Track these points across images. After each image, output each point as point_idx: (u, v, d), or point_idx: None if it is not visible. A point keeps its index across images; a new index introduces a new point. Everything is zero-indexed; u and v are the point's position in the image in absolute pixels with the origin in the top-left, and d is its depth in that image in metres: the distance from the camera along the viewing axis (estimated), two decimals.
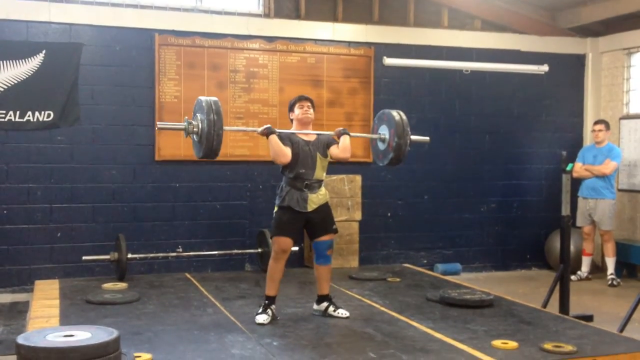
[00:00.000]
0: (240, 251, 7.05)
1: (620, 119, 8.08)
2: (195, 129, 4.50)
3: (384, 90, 7.66)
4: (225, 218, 7.15)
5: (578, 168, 7.46)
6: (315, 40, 7.42)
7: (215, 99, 4.54)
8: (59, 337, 3.44)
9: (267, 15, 7.32)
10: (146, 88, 6.86)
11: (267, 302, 4.82)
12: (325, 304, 4.96)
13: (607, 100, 8.32)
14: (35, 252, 6.57)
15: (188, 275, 6.63)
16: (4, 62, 6.40)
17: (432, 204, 7.89)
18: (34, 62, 6.49)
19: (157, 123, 4.78)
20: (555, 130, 8.34)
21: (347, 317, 4.86)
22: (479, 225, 8.07)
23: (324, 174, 4.90)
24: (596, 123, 7.65)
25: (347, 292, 5.84)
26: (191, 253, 6.89)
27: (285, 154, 4.70)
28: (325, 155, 4.85)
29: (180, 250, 6.94)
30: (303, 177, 4.76)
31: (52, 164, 6.62)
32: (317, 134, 4.95)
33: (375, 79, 7.60)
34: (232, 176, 7.17)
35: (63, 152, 6.65)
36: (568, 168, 5.86)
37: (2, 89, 6.41)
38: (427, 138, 5.35)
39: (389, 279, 6.44)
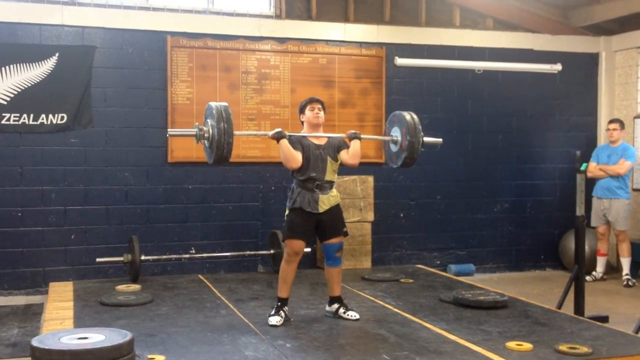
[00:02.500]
0: (252, 252, 7.06)
1: (635, 118, 8.01)
2: (206, 135, 4.49)
3: (395, 91, 7.63)
4: (237, 219, 7.16)
5: (592, 168, 7.40)
6: (327, 41, 7.41)
7: (225, 104, 4.52)
8: (73, 339, 3.46)
9: (278, 16, 7.33)
10: (158, 90, 6.88)
11: (279, 303, 4.82)
12: (336, 306, 4.95)
13: (621, 99, 8.26)
14: (50, 254, 6.61)
15: (201, 277, 6.64)
16: (18, 65, 6.45)
17: (444, 205, 7.86)
18: (47, 65, 6.53)
19: (168, 130, 4.79)
20: (568, 129, 8.28)
21: (356, 319, 4.85)
22: (493, 225, 8.03)
23: (335, 176, 4.89)
24: (611, 122, 7.59)
25: (360, 293, 5.83)
26: (204, 254, 6.90)
27: (296, 158, 4.69)
28: (335, 159, 4.83)
29: (193, 251, 6.95)
30: (314, 179, 4.74)
31: (66, 166, 6.65)
32: (328, 137, 4.93)
33: (387, 79, 7.58)
34: (244, 178, 7.18)
35: (76, 154, 6.68)
36: (582, 168, 5.82)
37: (15, 92, 6.45)
38: (440, 140, 5.30)
39: (402, 280, 6.42)
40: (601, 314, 5.69)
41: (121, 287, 5.94)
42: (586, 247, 6.36)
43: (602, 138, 8.21)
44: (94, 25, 6.71)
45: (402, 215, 7.69)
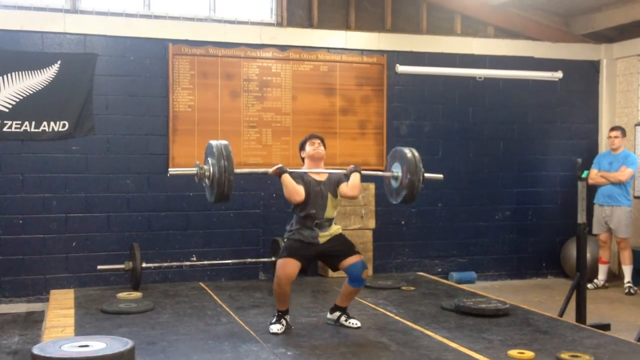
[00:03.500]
0: (254, 260, 7.05)
1: (636, 125, 8.01)
2: (207, 174, 4.52)
3: (397, 98, 7.64)
4: (239, 227, 7.16)
5: (594, 175, 7.40)
6: (328, 49, 7.43)
7: (225, 142, 4.55)
8: (74, 347, 3.46)
9: (279, 24, 7.34)
10: (160, 98, 6.89)
11: (280, 313, 4.80)
12: (338, 313, 4.94)
13: (622, 107, 8.26)
14: (51, 261, 6.61)
15: (202, 285, 6.64)
16: (20, 72, 6.46)
17: (446, 212, 7.85)
18: (49, 73, 6.55)
19: (169, 170, 4.84)
20: (570, 137, 8.28)
21: (358, 327, 4.84)
22: (494, 233, 8.02)
23: (335, 213, 4.85)
24: (612, 129, 7.59)
25: (362, 301, 5.82)
26: (205, 262, 6.90)
27: (300, 192, 4.67)
28: (335, 195, 4.80)
29: (194, 259, 6.95)
30: (313, 217, 4.72)
31: (67, 173, 6.66)
32: (329, 173, 4.89)
33: (388, 86, 7.60)
34: (245, 185, 7.18)
35: (78, 162, 6.69)
36: (583, 175, 5.81)
37: (17, 100, 6.47)
38: (441, 176, 5.29)
39: (404, 288, 6.41)
40: (603, 322, 5.68)
41: (122, 295, 5.93)
42: (588, 255, 6.36)
43: (603, 145, 8.21)
44: (96, 33, 6.72)
45: (403, 222, 7.69)
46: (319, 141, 4.92)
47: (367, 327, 4.87)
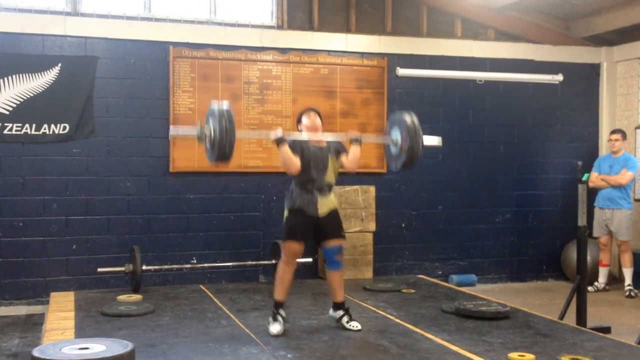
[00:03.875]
0: (254, 262, 7.05)
1: (636, 128, 8.01)
2: (207, 134, 4.47)
3: (397, 101, 7.65)
4: (239, 229, 7.16)
5: (594, 178, 7.40)
6: (329, 52, 7.44)
7: (226, 102, 4.53)
8: (74, 349, 3.46)
9: (280, 27, 7.35)
10: (160, 100, 6.90)
11: (275, 309, 4.84)
12: (340, 313, 4.95)
13: (623, 110, 8.26)
14: (51, 264, 6.60)
15: (202, 287, 6.63)
16: (21, 75, 6.47)
17: (446, 215, 7.85)
18: (49, 75, 6.55)
19: (170, 128, 4.81)
20: (570, 139, 8.28)
21: (358, 330, 4.83)
22: (494, 235, 8.02)
23: (334, 179, 4.93)
24: (613, 132, 7.60)
25: (362, 303, 5.82)
26: (205, 265, 6.90)
27: (295, 164, 4.73)
28: (336, 158, 4.89)
29: (195, 261, 6.94)
30: (313, 180, 4.80)
31: (68, 176, 6.66)
32: (328, 141, 4.94)
33: (388, 89, 7.60)
34: (246, 187, 7.18)
35: (78, 164, 6.69)
36: (584, 178, 5.82)
37: (18, 102, 6.47)
38: (439, 139, 5.26)
39: (404, 291, 6.41)
40: (603, 325, 5.67)
41: (122, 297, 5.93)
42: (588, 258, 6.35)
43: (603, 148, 8.21)
44: (97, 36, 6.73)
45: (403, 225, 7.68)
46: (314, 112, 4.97)
47: (368, 330, 4.87)
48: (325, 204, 4.85)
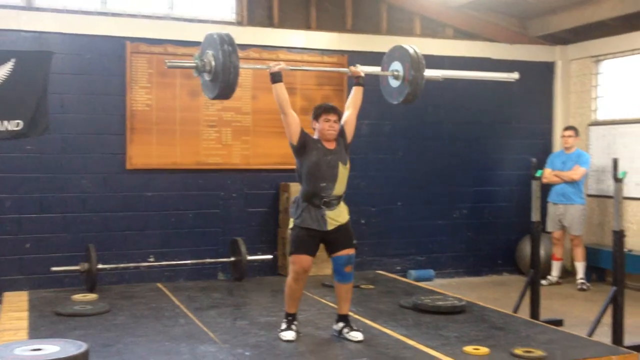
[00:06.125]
0: (213, 260, 7.02)
1: (589, 125, 8.21)
2: (207, 64, 4.21)
3: None
4: (197, 227, 7.11)
5: (547, 174, 7.55)
6: (289, 48, 7.43)
7: (226, 32, 4.30)
8: (26, 351, 3.41)
9: (240, 23, 7.32)
10: (117, 96, 6.81)
11: (290, 318, 4.57)
12: (341, 324, 4.60)
13: (576, 107, 8.45)
14: (4, 263, 6.47)
15: (160, 285, 6.56)
16: None
17: (405, 211, 7.93)
18: (2, 71, 6.39)
19: (166, 61, 4.42)
20: (525, 136, 8.44)
21: (359, 341, 4.46)
22: (452, 231, 8.13)
23: (344, 187, 4.54)
24: (566, 129, 7.77)
25: (321, 300, 5.84)
26: (163, 263, 6.84)
27: (289, 106, 4.44)
28: (345, 162, 4.53)
29: (152, 259, 6.88)
30: (321, 193, 4.41)
31: (22, 173, 6.53)
32: (337, 140, 4.54)
33: (348, 86, 7.57)
34: (204, 185, 7.14)
35: (32, 161, 6.56)
36: (538, 174, 5.94)
37: None
38: (440, 74, 5.19)
39: (363, 286, 6.44)
40: (556, 318, 5.82)
41: (77, 297, 5.83)
42: (542, 252, 6.51)
43: (557, 145, 8.39)
44: (52, 31, 6.60)
45: (363, 221, 7.73)
46: (336, 118, 4.51)
47: (326, 326, 4.89)
48: (334, 220, 4.46)
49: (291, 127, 4.50)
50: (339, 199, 4.52)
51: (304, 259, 4.45)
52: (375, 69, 5.27)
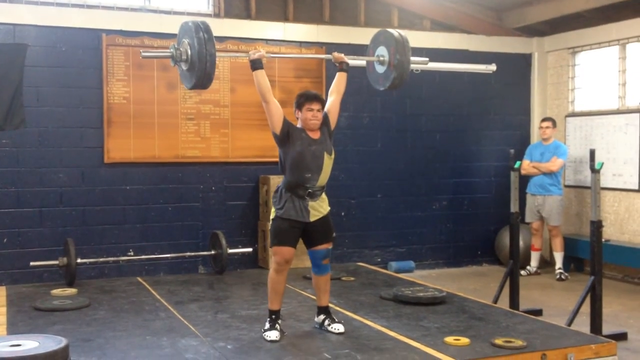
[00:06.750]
0: (193, 253, 6.98)
1: (566, 116, 8.29)
2: (182, 53, 4.15)
3: None
4: (177, 220, 7.07)
5: (526, 165, 7.61)
6: (267, 41, 7.39)
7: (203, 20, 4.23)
8: (5, 346, 3.36)
9: (217, 15, 7.26)
10: (94, 89, 6.73)
11: (273, 316, 4.47)
12: (322, 317, 4.61)
13: (553, 99, 8.53)
14: None
15: (140, 280, 6.52)
16: None
17: (385, 203, 7.96)
18: None
19: (141, 52, 4.35)
20: (503, 128, 8.50)
21: (341, 333, 4.47)
22: (431, 222, 8.18)
23: (327, 178, 4.49)
24: (543, 120, 7.84)
25: (302, 292, 5.85)
26: (143, 256, 6.79)
27: (271, 94, 4.38)
28: (330, 152, 4.47)
29: (132, 253, 6.83)
30: (306, 184, 4.36)
31: None
32: (320, 129, 4.49)
33: (327, 78, 7.60)
34: (184, 178, 7.09)
35: (8, 155, 6.47)
36: (516, 165, 5.99)
37: None
38: (427, 59, 5.15)
39: (343, 278, 6.46)
40: (535, 308, 5.88)
41: (56, 292, 5.78)
42: (521, 243, 6.56)
43: (535, 136, 8.46)
44: (26, 23, 6.50)
45: (343, 214, 7.74)
46: (320, 107, 4.45)
47: (307, 318, 4.89)
48: (317, 211, 4.43)
49: (274, 117, 4.44)
50: (322, 189, 4.48)
51: (286, 250, 4.40)
52: (359, 59, 5.16)
